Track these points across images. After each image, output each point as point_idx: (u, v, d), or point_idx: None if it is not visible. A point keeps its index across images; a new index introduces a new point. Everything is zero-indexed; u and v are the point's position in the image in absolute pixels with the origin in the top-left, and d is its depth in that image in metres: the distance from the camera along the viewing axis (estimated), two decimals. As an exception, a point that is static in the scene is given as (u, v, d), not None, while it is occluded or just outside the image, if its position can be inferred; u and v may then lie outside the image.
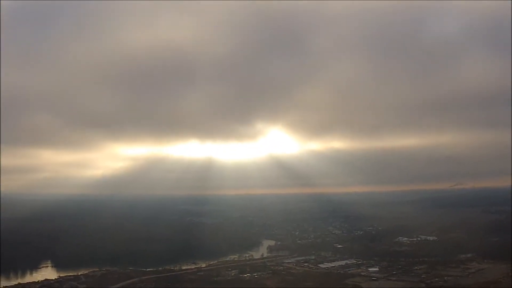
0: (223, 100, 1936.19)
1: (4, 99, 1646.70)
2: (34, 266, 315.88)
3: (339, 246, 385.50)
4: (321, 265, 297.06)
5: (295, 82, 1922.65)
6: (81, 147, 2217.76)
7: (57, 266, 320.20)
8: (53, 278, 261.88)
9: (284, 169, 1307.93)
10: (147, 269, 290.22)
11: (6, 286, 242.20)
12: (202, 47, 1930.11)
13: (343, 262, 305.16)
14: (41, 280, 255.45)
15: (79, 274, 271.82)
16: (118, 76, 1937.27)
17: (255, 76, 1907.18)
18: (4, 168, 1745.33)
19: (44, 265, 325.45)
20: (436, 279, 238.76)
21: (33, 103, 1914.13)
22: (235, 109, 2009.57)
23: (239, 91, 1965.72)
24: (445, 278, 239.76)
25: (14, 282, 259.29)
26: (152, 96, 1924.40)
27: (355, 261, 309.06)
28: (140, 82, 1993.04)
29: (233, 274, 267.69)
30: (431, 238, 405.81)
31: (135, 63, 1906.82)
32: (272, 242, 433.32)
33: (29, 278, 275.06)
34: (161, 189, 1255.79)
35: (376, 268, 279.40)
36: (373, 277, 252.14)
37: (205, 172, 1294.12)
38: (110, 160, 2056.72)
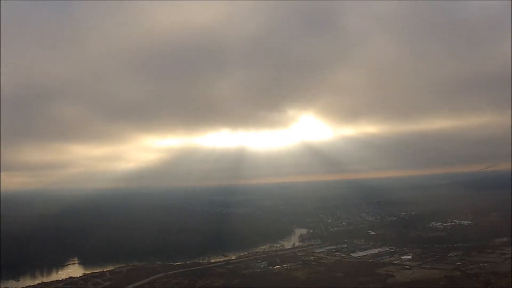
0: (254, 86, 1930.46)
1: (31, 93, 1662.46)
2: (61, 264, 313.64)
3: (372, 233, 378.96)
4: (353, 254, 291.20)
5: (327, 64, 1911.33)
6: (111, 139, 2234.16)
7: (84, 262, 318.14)
8: (78, 276, 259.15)
9: (317, 156, 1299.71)
10: (175, 263, 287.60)
11: (28, 286, 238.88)
12: (231, 30, 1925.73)
13: (375, 251, 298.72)
14: (65, 278, 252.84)
15: (105, 270, 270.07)
16: (145, 64, 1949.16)
17: (286, 59, 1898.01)
18: (36, 164, 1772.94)
19: (71, 262, 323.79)
20: (472, 266, 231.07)
21: (60, 95, 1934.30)
22: (266, 95, 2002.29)
23: (270, 75, 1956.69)
24: (481, 264, 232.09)
25: (38, 281, 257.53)
26: (181, 83, 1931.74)
27: (388, 249, 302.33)
28: (168, 69, 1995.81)
29: (262, 266, 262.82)
30: (465, 222, 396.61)
31: (162, 49, 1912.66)
32: (304, 231, 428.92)
33: (54, 277, 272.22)
34: (193, 180, 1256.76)
35: (409, 256, 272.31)
36: (406, 265, 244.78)
37: (237, 161, 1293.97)
38: (141, 152, 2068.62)
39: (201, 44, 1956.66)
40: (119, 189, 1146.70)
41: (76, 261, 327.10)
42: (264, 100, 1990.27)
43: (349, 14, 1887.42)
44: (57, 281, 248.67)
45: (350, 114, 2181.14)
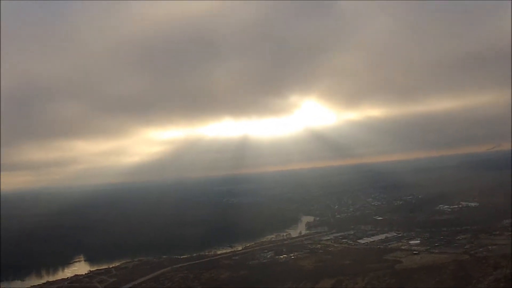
0: (254, 73, 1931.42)
1: (30, 91, 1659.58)
2: (67, 261, 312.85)
3: (379, 218, 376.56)
4: (360, 241, 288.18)
5: (327, 47, 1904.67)
6: (113, 134, 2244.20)
7: (90, 259, 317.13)
8: (83, 273, 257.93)
9: (321, 142, 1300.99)
10: (182, 256, 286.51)
11: (33, 286, 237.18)
12: (228, 17, 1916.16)
13: (383, 236, 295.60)
14: (71, 277, 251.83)
15: (111, 267, 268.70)
16: (143, 57, 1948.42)
17: (285, 44, 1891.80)
18: (39, 163, 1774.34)
19: (77, 260, 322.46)
20: (480, 249, 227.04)
21: (59, 93, 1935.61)
22: (267, 82, 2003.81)
23: (270, 61, 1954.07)
24: (490, 247, 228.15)
25: (43, 280, 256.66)
26: (180, 74, 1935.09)
27: (395, 234, 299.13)
28: (166, 60, 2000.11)
29: (268, 256, 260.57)
30: (472, 204, 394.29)
31: (160, 41, 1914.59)
32: (310, 218, 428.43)
33: (59, 275, 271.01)
34: (197, 171, 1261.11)
35: (417, 240, 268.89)
36: (414, 250, 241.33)
37: (241, 150, 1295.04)
38: (144, 146, 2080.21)
39: (198, 33, 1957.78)
40: (124, 184, 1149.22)
41: (82, 258, 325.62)
42: (265, 86, 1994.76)
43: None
44: (62, 279, 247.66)
45: (353, 97, 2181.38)
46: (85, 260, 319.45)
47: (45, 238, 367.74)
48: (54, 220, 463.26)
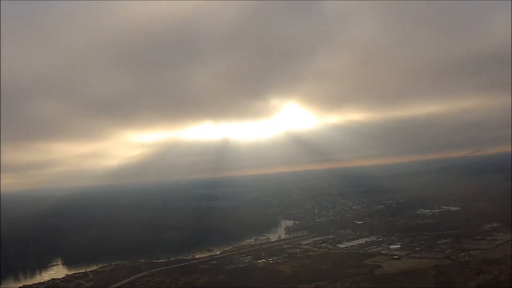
0: (235, 75, 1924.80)
1: (6, 91, 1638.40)
2: (45, 265, 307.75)
3: (359, 222, 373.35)
4: (340, 245, 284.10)
5: (310, 50, 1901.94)
6: (93, 136, 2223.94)
7: (68, 263, 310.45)
8: (60, 277, 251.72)
9: (302, 145, 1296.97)
10: (159, 260, 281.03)
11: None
12: (208, 18, 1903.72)
13: (363, 241, 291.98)
14: (47, 280, 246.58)
15: (88, 271, 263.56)
16: (122, 58, 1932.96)
17: (266, 46, 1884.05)
18: (20, 164, 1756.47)
19: (55, 263, 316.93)
20: (462, 253, 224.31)
21: (37, 93, 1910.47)
22: (248, 84, 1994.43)
23: (251, 63, 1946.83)
24: (471, 252, 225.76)
25: (19, 284, 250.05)
26: (160, 76, 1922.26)
27: (375, 239, 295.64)
28: (146, 62, 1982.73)
29: (246, 260, 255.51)
30: (453, 208, 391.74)
31: (139, 42, 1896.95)
32: (290, 222, 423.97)
33: (36, 278, 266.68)
34: (177, 174, 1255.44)
35: (397, 245, 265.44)
36: (395, 255, 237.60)
37: (221, 153, 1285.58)
38: (123, 148, 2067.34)
39: (180, 34, 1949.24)
40: (103, 187, 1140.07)
41: (59, 261, 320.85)
42: (246, 89, 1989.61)
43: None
44: (39, 283, 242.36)
45: (335, 101, 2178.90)
46: (62, 264, 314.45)
47: (23, 241, 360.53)
48: (33, 223, 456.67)
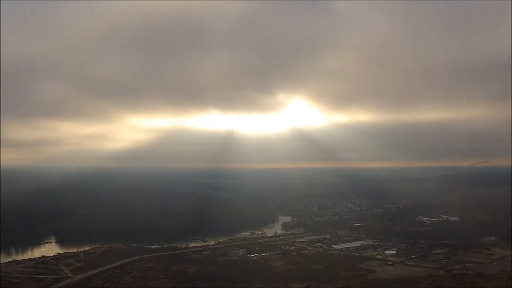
0: (244, 67, 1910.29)
1: (15, 68, 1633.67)
2: (38, 241, 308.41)
3: (357, 224, 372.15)
4: (335, 246, 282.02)
5: (320, 46, 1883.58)
6: (99, 118, 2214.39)
7: (61, 241, 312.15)
8: (51, 255, 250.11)
9: (307, 142, 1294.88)
10: (153, 246, 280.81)
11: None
12: (220, 8, 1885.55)
13: (358, 243, 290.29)
14: (38, 257, 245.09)
15: (80, 251, 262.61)
16: (132, 42, 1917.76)
17: (277, 39, 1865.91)
18: (23, 141, 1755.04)
19: (48, 241, 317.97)
20: (457, 265, 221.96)
21: (45, 72, 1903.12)
22: (256, 77, 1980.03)
23: (260, 56, 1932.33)
24: (467, 264, 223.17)
25: (10, 258, 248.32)
26: (168, 63, 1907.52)
27: (371, 242, 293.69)
28: (155, 47, 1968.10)
29: (240, 254, 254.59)
30: (453, 218, 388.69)
31: (150, 27, 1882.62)
32: (288, 219, 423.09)
33: (28, 254, 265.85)
34: (181, 162, 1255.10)
35: (393, 251, 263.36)
36: (389, 261, 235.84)
37: (226, 145, 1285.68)
38: (129, 132, 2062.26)
39: (191, 22, 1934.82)
40: (107, 169, 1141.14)
41: (53, 240, 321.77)
42: (254, 82, 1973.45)
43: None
44: (29, 259, 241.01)
45: (342, 100, 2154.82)
46: (56, 242, 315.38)
47: (21, 216, 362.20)
48: (32, 199, 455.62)
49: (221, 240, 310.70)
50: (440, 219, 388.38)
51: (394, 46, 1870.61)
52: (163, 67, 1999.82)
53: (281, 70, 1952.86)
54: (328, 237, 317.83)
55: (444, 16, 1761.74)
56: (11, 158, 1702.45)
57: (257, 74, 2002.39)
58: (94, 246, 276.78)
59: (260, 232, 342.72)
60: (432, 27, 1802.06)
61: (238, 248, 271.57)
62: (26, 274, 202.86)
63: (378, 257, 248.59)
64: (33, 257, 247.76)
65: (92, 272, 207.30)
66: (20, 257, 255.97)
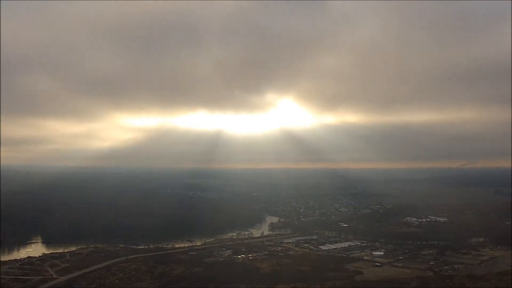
0: (232, 65, 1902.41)
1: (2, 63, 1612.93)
2: (23, 242, 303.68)
3: (344, 225, 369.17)
4: (322, 247, 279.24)
5: (310, 46, 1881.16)
6: (86, 116, 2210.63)
7: (47, 242, 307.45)
8: (37, 256, 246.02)
9: (296, 143, 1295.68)
10: (139, 247, 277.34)
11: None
12: (210, 5, 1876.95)
13: (346, 244, 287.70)
14: (23, 258, 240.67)
15: (66, 251, 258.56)
16: (119, 39, 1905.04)
17: (266, 38, 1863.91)
18: (10, 139, 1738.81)
19: (34, 241, 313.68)
20: (446, 267, 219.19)
21: (29, 66, 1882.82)
22: (245, 76, 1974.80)
23: (248, 55, 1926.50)
24: (455, 266, 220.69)
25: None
26: (156, 60, 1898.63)
27: (359, 243, 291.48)
28: (143, 45, 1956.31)
29: (226, 254, 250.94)
30: (441, 219, 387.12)
31: (138, 24, 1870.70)
32: (275, 219, 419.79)
33: (13, 255, 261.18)
34: (168, 161, 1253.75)
35: (381, 252, 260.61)
36: (377, 262, 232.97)
37: (213, 145, 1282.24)
38: (116, 131, 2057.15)
39: (179, 19, 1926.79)
40: (93, 168, 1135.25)
41: (39, 240, 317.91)
42: (243, 81, 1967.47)
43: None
44: (15, 260, 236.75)
45: (331, 101, 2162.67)
46: (42, 242, 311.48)
47: (5, 216, 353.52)
48: (20, 198, 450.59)
49: (208, 240, 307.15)
50: (428, 220, 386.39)
51: (386, 48, 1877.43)
52: (152, 65, 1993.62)
53: (271, 69, 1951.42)
54: (315, 238, 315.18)
55: (439, 17, 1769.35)
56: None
57: (246, 73, 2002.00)
58: (80, 247, 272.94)
59: (247, 233, 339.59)
60: (426, 30, 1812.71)
61: (224, 248, 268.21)
62: (11, 275, 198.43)
63: (365, 258, 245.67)
64: (19, 258, 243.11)
65: (77, 273, 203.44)
66: (6, 257, 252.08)
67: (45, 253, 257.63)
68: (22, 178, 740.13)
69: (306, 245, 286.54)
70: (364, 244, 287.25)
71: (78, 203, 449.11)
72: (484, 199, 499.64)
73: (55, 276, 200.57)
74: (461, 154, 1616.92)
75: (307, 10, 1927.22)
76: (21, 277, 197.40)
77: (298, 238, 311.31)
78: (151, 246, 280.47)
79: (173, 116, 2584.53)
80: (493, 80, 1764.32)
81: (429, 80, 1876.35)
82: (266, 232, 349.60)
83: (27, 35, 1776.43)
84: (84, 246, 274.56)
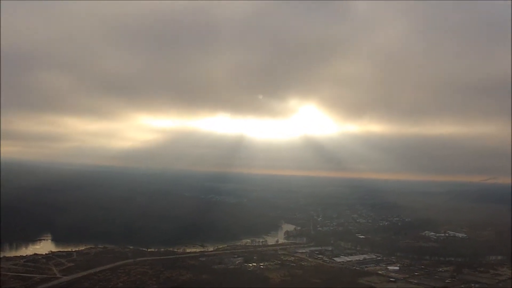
0: (254, 69, 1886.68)
1: (19, 60, 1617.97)
2: (33, 238, 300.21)
3: (361, 236, 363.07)
4: (337, 259, 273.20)
5: (333, 51, 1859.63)
6: (105, 115, 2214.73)
7: (56, 239, 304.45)
8: (44, 253, 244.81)
9: (317, 150, 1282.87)
10: (148, 249, 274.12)
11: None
12: (231, 7, 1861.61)
13: (361, 257, 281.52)
14: (30, 255, 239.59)
15: (73, 250, 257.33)
16: (141, 40, 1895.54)
17: (288, 42, 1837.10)
18: (27, 134, 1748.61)
19: (44, 238, 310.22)
20: (462, 285, 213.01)
21: (49, 62, 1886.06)
22: (266, 81, 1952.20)
23: (271, 59, 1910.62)
24: (472, 284, 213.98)
25: (2, 255, 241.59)
26: (178, 62, 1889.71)
27: (374, 256, 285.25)
28: (164, 46, 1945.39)
29: (237, 262, 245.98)
30: (460, 235, 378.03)
31: (159, 25, 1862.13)
32: (291, 227, 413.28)
33: (20, 251, 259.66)
34: (187, 164, 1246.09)
35: (396, 266, 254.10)
36: (392, 277, 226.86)
37: (234, 149, 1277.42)
38: (135, 131, 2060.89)
39: (202, 20, 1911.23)
40: (112, 167, 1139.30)
41: (48, 237, 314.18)
42: (264, 86, 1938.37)
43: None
44: (20, 256, 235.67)
45: (355, 109, 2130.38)
46: (51, 239, 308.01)
47: (19, 211, 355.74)
48: (32, 194, 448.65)
49: (220, 246, 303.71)
50: (447, 235, 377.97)
51: (412, 54, 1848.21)
52: (171, 66, 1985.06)
53: (293, 74, 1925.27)
54: (330, 248, 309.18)
55: (467, 27, 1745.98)
56: (14, 151, 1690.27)
57: (268, 78, 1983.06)
58: (89, 246, 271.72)
59: (261, 240, 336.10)
60: (453, 37, 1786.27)
61: (236, 255, 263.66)
62: (14, 272, 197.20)
63: (380, 272, 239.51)
64: (24, 255, 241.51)
65: (81, 273, 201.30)
66: (12, 253, 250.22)
67: (52, 251, 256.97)
68: (38, 174, 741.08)
69: (320, 256, 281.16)
70: (379, 258, 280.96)
71: (93, 201, 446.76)
72: (505, 216, 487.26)
73: (58, 275, 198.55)
74: (484, 168, 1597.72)
75: (330, 11, 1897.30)
76: (22, 274, 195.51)
77: (312, 248, 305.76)
78: (162, 249, 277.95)
79: (193, 118, 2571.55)
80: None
81: (454, 91, 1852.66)
82: (280, 240, 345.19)
83: (46, 33, 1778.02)
84: (93, 246, 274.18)
